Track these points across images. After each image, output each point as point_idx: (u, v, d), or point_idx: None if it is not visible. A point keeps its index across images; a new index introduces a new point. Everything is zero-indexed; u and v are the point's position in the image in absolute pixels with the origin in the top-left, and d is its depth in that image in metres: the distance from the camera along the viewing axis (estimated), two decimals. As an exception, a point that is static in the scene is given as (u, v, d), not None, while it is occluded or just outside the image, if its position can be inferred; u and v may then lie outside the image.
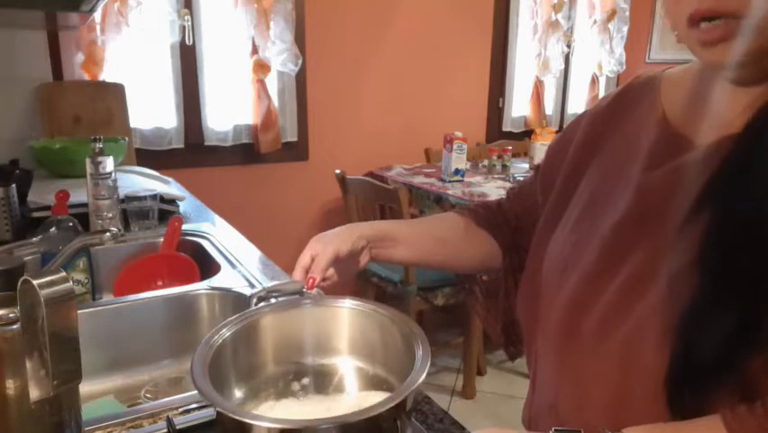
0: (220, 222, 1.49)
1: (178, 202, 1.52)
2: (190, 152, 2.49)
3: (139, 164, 1.92)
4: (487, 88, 3.30)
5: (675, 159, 0.60)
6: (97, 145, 1.24)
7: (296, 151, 2.76)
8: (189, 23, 2.36)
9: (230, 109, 2.57)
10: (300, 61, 2.57)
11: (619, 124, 0.69)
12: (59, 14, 1.70)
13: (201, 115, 2.51)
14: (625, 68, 3.66)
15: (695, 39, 0.53)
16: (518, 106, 3.47)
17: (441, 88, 3.12)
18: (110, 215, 1.26)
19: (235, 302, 1.05)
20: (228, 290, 1.07)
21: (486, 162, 2.87)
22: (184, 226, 1.33)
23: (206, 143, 2.53)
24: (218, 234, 1.37)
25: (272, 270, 1.16)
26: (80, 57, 2.13)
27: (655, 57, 3.64)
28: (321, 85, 2.76)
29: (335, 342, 0.70)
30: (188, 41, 2.38)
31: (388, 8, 2.87)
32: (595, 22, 3.55)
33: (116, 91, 2.02)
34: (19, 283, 0.47)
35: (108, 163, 1.24)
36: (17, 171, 1.41)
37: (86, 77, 2.14)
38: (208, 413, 0.66)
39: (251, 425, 0.51)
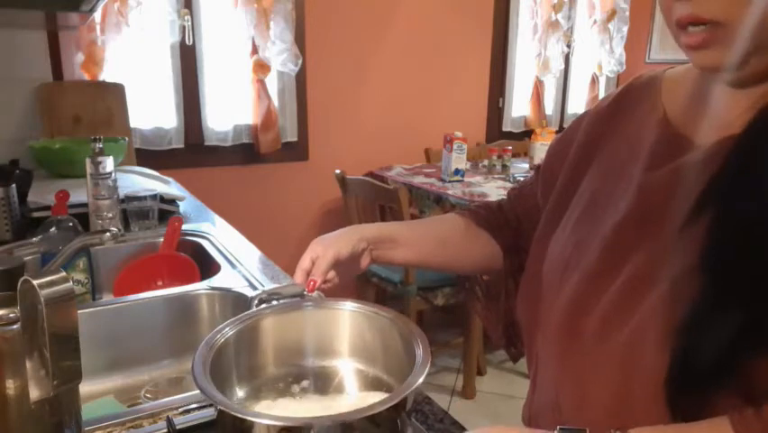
0: (220, 222, 1.49)
1: (178, 202, 1.52)
2: (190, 151, 2.49)
3: (139, 164, 1.92)
4: (487, 88, 3.30)
5: (676, 159, 0.60)
6: (97, 145, 1.24)
7: (296, 151, 2.76)
8: (189, 23, 2.36)
9: (230, 109, 2.57)
10: (300, 61, 2.57)
11: (620, 124, 0.69)
12: (59, 14, 1.70)
13: (201, 115, 2.51)
14: (625, 68, 3.66)
15: (683, 43, 0.54)
16: (518, 106, 3.47)
17: (441, 88, 3.12)
18: (110, 215, 1.26)
19: (235, 302, 1.05)
20: (228, 290, 1.07)
21: (486, 162, 2.87)
22: (184, 226, 1.33)
23: (206, 143, 2.53)
24: (218, 234, 1.37)
25: (272, 270, 1.16)
26: (80, 57, 2.13)
27: (655, 57, 3.64)
28: (321, 85, 2.76)
29: (336, 344, 0.70)
30: (188, 41, 2.38)
31: (388, 8, 2.87)
32: (595, 22, 3.55)
33: (116, 91, 2.02)
34: (19, 283, 0.47)
35: (108, 163, 1.24)
36: (17, 171, 1.41)
37: (86, 77, 2.14)
38: (208, 413, 0.66)
39: (251, 422, 0.51)
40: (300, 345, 0.70)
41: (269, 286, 1.06)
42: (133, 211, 1.37)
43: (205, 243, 1.32)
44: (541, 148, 2.73)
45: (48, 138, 1.84)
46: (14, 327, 0.48)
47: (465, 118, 3.23)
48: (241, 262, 1.19)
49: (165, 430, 0.64)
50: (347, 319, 0.70)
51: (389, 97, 2.97)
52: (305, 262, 0.74)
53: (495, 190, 2.39)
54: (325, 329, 0.70)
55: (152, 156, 2.34)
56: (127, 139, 1.86)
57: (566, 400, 0.64)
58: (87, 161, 1.23)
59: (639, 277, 0.57)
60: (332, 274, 0.75)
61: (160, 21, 2.29)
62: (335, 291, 0.76)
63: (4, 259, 0.50)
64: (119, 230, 1.07)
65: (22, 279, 0.47)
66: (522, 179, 2.57)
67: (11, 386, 0.48)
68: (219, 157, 2.58)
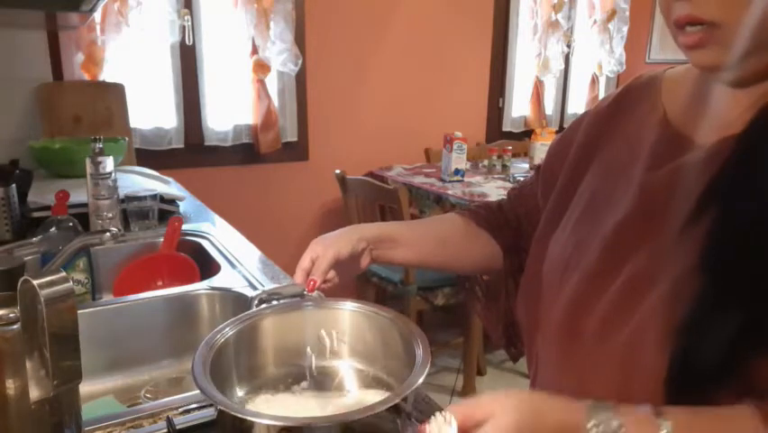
0: (220, 222, 1.49)
1: (178, 202, 1.52)
2: (190, 152, 2.49)
3: (139, 164, 1.92)
4: (487, 88, 3.30)
5: (677, 158, 0.60)
6: (97, 145, 1.25)
7: (296, 151, 2.76)
8: (189, 23, 2.36)
9: (230, 109, 2.57)
10: (300, 61, 2.57)
11: (620, 124, 0.69)
12: (59, 14, 1.70)
13: (201, 115, 2.51)
14: (625, 68, 3.66)
15: (681, 42, 0.55)
16: (518, 106, 3.47)
17: (441, 88, 3.12)
18: (110, 215, 1.26)
19: (235, 302, 1.05)
20: (228, 290, 1.07)
21: (486, 162, 2.87)
22: (184, 226, 1.33)
23: (206, 143, 2.53)
24: (218, 234, 1.37)
25: (272, 270, 1.16)
26: (80, 57, 2.13)
27: (655, 57, 3.64)
28: (321, 85, 2.76)
29: (336, 344, 0.70)
30: (188, 41, 2.38)
31: (388, 8, 2.87)
32: (595, 22, 3.55)
33: (116, 91, 2.01)
34: (19, 283, 0.47)
35: (108, 163, 1.24)
36: (17, 171, 1.41)
37: (86, 77, 2.14)
38: (208, 413, 0.66)
39: (251, 422, 0.51)
40: (300, 345, 0.70)
41: (270, 286, 1.06)
42: (133, 211, 1.37)
43: (205, 243, 1.32)
44: (541, 148, 2.73)
45: (48, 138, 1.84)
46: (14, 327, 0.48)
47: (465, 118, 3.23)
48: (241, 262, 1.19)
49: (165, 430, 0.64)
50: (347, 319, 0.70)
51: (389, 97, 2.97)
52: (304, 262, 0.74)
53: (495, 190, 2.39)
54: (326, 329, 0.70)
55: (152, 156, 2.34)
56: (127, 139, 1.86)
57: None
58: (87, 161, 1.23)
59: (639, 277, 0.57)
60: (332, 274, 0.75)
61: (160, 21, 2.29)
62: (335, 291, 0.76)
63: (4, 259, 0.50)
64: (119, 230, 1.07)
65: (22, 279, 0.47)
66: (522, 179, 2.57)
67: (11, 386, 0.48)
68: (219, 157, 2.58)
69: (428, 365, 0.57)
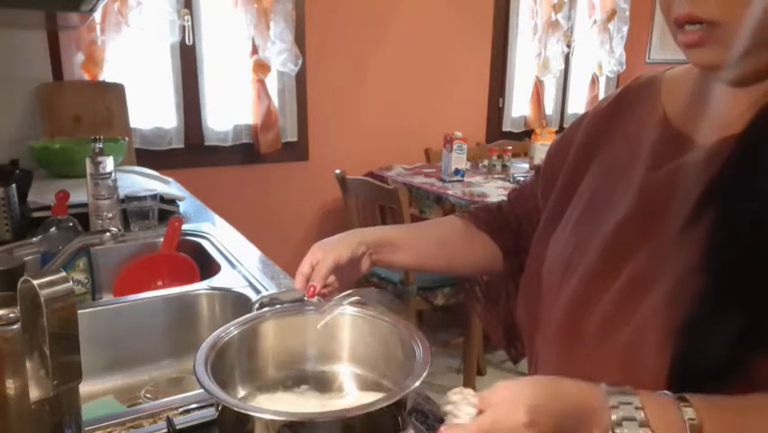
0: (220, 222, 1.49)
1: (178, 202, 1.52)
2: (190, 152, 2.49)
3: (139, 164, 1.92)
4: (487, 88, 3.30)
5: (678, 158, 0.60)
6: (97, 145, 1.25)
7: (296, 151, 2.76)
8: (189, 23, 2.36)
9: (230, 109, 2.57)
10: (300, 61, 2.57)
11: (620, 124, 0.69)
12: (59, 14, 1.70)
13: (201, 115, 2.51)
14: (625, 68, 3.66)
15: (680, 40, 0.55)
16: (518, 106, 3.47)
17: (441, 88, 3.12)
18: (110, 215, 1.26)
19: (235, 302, 1.05)
20: (228, 290, 1.07)
21: (486, 162, 2.87)
22: (184, 226, 1.33)
23: (206, 143, 2.53)
24: (218, 234, 1.37)
25: (272, 270, 1.16)
26: (80, 57, 2.13)
27: (655, 57, 3.64)
28: (321, 85, 2.76)
29: (336, 349, 0.70)
30: (188, 41, 2.38)
31: (388, 8, 2.87)
32: (595, 22, 3.55)
33: (116, 91, 2.02)
34: (19, 283, 0.47)
35: (108, 163, 1.24)
36: (17, 171, 1.41)
37: (86, 77, 2.14)
38: (208, 413, 0.66)
39: (252, 417, 0.51)
40: (300, 349, 0.70)
41: (270, 287, 1.06)
42: (133, 211, 1.37)
43: (205, 243, 1.32)
44: (541, 148, 2.73)
45: (48, 138, 1.84)
46: (14, 327, 0.48)
47: (465, 118, 3.23)
48: (241, 262, 1.19)
49: (165, 430, 0.64)
50: (347, 323, 0.70)
51: (389, 97, 2.97)
52: (304, 267, 0.74)
53: (495, 190, 2.39)
54: (326, 333, 0.70)
55: (152, 156, 2.34)
56: (127, 139, 1.86)
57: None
58: (87, 161, 1.23)
59: (640, 277, 0.57)
60: (331, 279, 0.74)
61: (160, 21, 2.29)
62: (335, 292, 0.76)
63: (4, 259, 0.50)
64: (119, 230, 1.07)
65: (22, 279, 0.47)
66: (522, 179, 2.57)
67: (11, 386, 0.48)
68: (219, 157, 2.58)
69: (428, 366, 0.57)
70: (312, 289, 0.72)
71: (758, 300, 0.49)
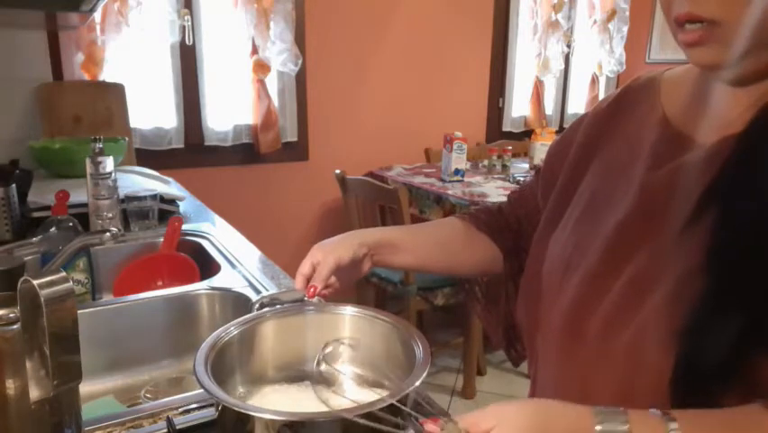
0: (220, 222, 1.49)
1: (178, 202, 1.52)
2: (190, 152, 2.49)
3: (139, 164, 1.92)
4: (487, 88, 3.30)
5: (678, 158, 0.60)
6: (97, 145, 1.24)
7: (296, 151, 2.76)
8: (189, 23, 2.36)
9: (230, 109, 2.57)
10: (300, 61, 2.57)
11: (620, 124, 0.69)
12: (59, 14, 1.70)
13: (201, 115, 2.51)
14: (625, 68, 3.66)
15: (680, 39, 0.55)
16: (518, 106, 3.47)
17: (441, 88, 3.12)
18: (110, 215, 1.26)
19: (235, 302, 1.05)
20: (228, 290, 1.07)
21: (486, 162, 2.87)
22: (184, 226, 1.33)
23: (206, 143, 2.53)
24: (218, 234, 1.37)
25: (272, 270, 1.16)
26: (80, 57, 2.13)
27: (655, 57, 3.64)
28: (321, 85, 2.76)
29: (336, 349, 0.70)
30: (188, 41, 2.38)
31: (388, 8, 2.87)
32: (595, 22, 3.55)
33: (116, 91, 2.01)
34: (19, 283, 0.47)
35: (108, 163, 1.24)
36: (17, 171, 1.41)
37: (87, 77, 2.14)
38: (208, 413, 0.66)
39: (252, 417, 0.51)
40: (301, 349, 0.70)
41: (270, 288, 1.06)
42: (133, 211, 1.37)
43: (205, 243, 1.32)
44: (541, 148, 2.73)
45: (48, 138, 1.84)
46: (14, 327, 0.48)
47: (465, 118, 3.23)
48: (241, 262, 1.19)
49: (165, 430, 0.64)
50: (348, 324, 0.70)
51: (389, 97, 2.97)
52: (305, 268, 0.74)
53: (495, 190, 2.39)
54: (326, 334, 0.70)
55: (152, 156, 2.34)
56: (127, 139, 1.86)
57: (568, 401, 0.64)
58: (87, 161, 1.23)
59: (641, 277, 0.57)
60: (332, 280, 0.74)
61: (160, 21, 2.29)
62: (336, 295, 0.76)
63: (4, 259, 0.50)
64: (119, 230, 1.07)
65: (22, 279, 0.47)
66: (522, 179, 2.57)
67: (11, 386, 0.48)
68: (219, 157, 2.58)
69: (428, 366, 0.57)
70: (313, 289, 0.72)
71: (759, 300, 0.49)
